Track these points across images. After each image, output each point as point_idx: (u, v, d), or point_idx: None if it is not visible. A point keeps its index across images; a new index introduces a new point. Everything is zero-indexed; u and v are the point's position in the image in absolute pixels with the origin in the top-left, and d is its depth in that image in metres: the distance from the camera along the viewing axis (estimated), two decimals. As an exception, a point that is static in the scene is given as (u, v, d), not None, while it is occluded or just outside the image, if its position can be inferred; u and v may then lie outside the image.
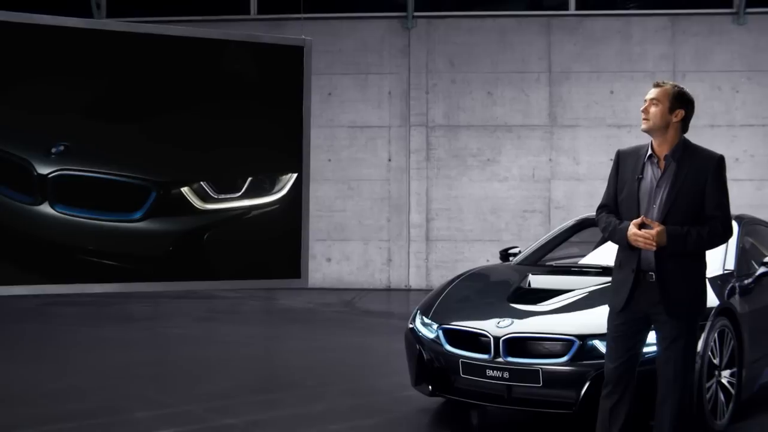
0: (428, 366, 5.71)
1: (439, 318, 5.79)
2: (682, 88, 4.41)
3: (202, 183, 4.53)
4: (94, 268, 4.35)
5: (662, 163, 4.40)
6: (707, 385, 5.35)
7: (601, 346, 5.07)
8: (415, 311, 6.08)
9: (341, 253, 14.31)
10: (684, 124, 4.43)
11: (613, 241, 4.55)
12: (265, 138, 4.72)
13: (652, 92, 4.38)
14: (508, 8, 14.40)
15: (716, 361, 5.46)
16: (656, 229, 4.22)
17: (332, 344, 9.09)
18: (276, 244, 4.76)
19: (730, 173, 13.67)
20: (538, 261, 6.87)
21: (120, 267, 4.41)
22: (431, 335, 5.74)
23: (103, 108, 4.35)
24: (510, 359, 5.30)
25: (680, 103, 4.38)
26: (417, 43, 14.25)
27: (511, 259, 6.98)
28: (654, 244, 4.20)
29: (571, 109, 13.90)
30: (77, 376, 7.30)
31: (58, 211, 4.23)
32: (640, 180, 4.41)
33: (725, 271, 6.04)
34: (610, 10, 14.13)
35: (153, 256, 4.47)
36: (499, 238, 13.77)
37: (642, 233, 4.24)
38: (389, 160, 14.26)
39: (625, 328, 4.43)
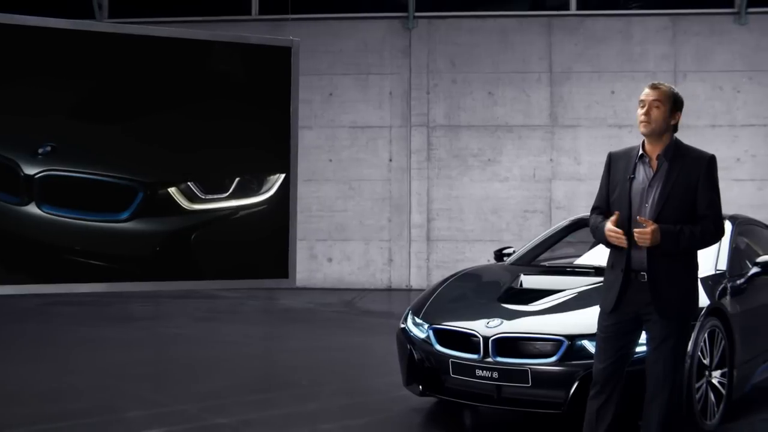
0: (419, 366, 5.72)
1: (429, 318, 5.80)
2: (677, 91, 4.42)
3: (189, 183, 4.55)
4: (81, 268, 4.37)
5: (654, 163, 4.40)
6: (697, 385, 5.35)
7: (590, 346, 5.07)
8: (407, 311, 6.09)
9: (342, 253, 14.33)
10: (676, 126, 4.44)
11: (598, 240, 4.58)
12: (253, 138, 4.73)
13: (652, 93, 4.35)
14: (509, 8, 14.40)
15: (706, 362, 5.46)
16: (650, 227, 4.23)
17: (330, 344, 9.11)
18: (264, 244, 4.78)
19: (732, 173, 13.76)
20: (531, 261, 6.88)
21: (107, 267, 4.44)
22: (422, 335, 5.76)
23: (89, 109, 4.38)
24: (499, 359, 5.31)
25: (678, 105, 4.39)
26: (418, 43, 14.26)
27: (505, 259, 6.99)
28: (649, 241, 4.20)
29: (572, 109, 13.90)
30: (74, 375, 7.33)
31: (44, 212, 4.26)
32: (632, 180, 4.42)
33: (717, 272, 6.04)
34: (610, 10, 14.12)
35: (140, 256, 4.50)
36: (500, 238, 13.76)
37: (615, 230, 4.27)
38: (390, 160, 14.27)
39: (615, 329, 4.44)
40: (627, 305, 4.38)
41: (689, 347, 5.23)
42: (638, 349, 4.63)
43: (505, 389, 5.31)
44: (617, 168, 4.50)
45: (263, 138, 4.76)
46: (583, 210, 11.92)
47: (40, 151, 4.23)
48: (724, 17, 13.87)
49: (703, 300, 5.53)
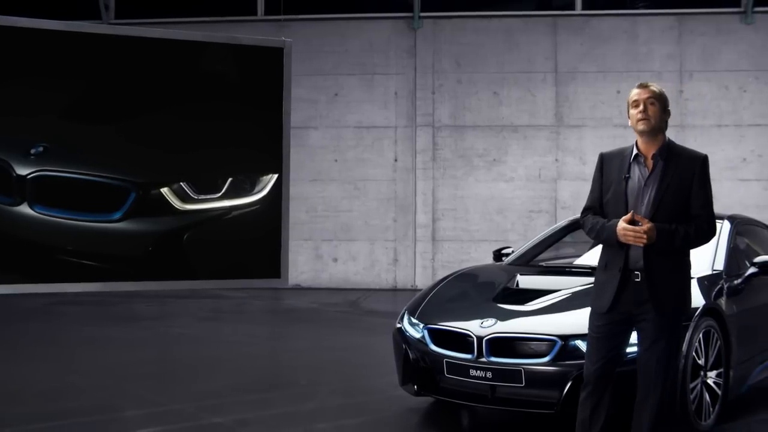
0: (414, 366, 5.74)
1: (425, 318, 5.81)
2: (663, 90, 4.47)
3: (181, 184, 4.57)
4: (74, 268, 4.39)
5: (649, 163, 4.42)
6: (692, 385, 5.34)
7: (583, 346, 5.06)
8: (403, 311, 6.11)
9: (347, 253, 14.35)
10: (667, 125, 4.47)
11: (600, 240, 4.56)
12: (246, 139, 4.74)
13: (644, 92, 4.37)
14: (515, 8, 14.40)
15: (701, 362, 5.45)
16: (646, 225, 4.24)
17: (332, 344, 9.13)
18: (256, 245, 4.78)
19: (738, 173, 13.72)
20: (529, 261, 6.88)
21: (100, 267, 4.45)
22: (417, 335, 5.77)
23: (82, 109, 4.39)
24: (493, 359, 5.32)
25: (667, 104, 4.45)
26: (423, 43, 14.27)
27: (504, 259, 7.00)
28: (645, 239, 4.21)
29: (578, 109, 13.88)
30: (76, 374, 7.37)
31: (37, 212, 4.28)
32: (627, 179, 4.43)
33: (714, 272, 6.03)
34: (616, 10, 14.09)
35: (133, 257, 4.51)
36: (506, 238, 13.76)
37: (632, 228, 4.26)
38: (395, 160, 14.29)
39: (606, 329, 4.44)
40: (621, 305, 4.39)
41: (683, 347, 5.24)
42: (631, 349, 4.65)
43: (499, 389, 5.32)
44: (611, 168, 4.51)
45: (256, 138, 4.78)
46: (588, 210, 11.93)
47: (33, 151, 4.26)
48: (731, 17, 13.84)
49: (699, 300, 5.55)
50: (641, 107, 4.36)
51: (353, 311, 11.96)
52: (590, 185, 4.65)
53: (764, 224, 7.34)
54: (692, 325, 5.34)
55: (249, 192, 4.76)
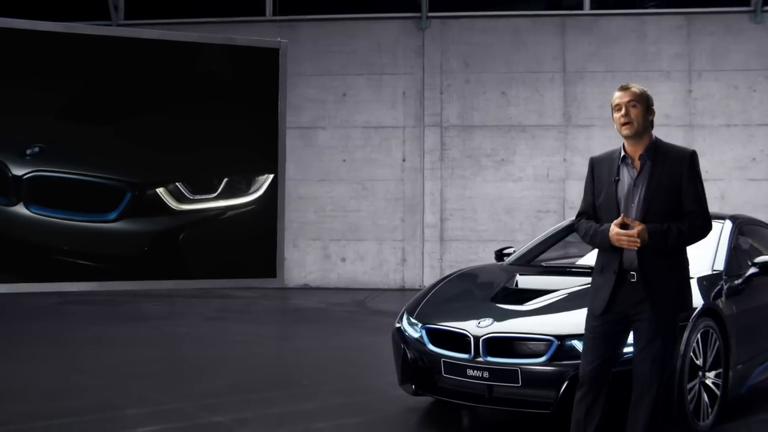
0: (412, 365, 5.75)
1: (423, 318, 5.82)
2: (647, 90, 4.45)
3: (177, 184, 4.60)
4: (70, 267, 4.43)
5: (637, 163, 4.42)
6: (689, 385, 5.33)
7: (579, 346, 5.05)
8: (402, 311, 6.12)
9: (356, 253, 14.38)
10: (652, 124, 4.47)
11: (595, 245, 4.57)
12: (241, 139, 4.78)
13: (626, 95, 4.38)
14: (523, 8, 14.38)
15: (699, 362, 5.44)
16: (637, 228, 4.25)
17: (336, 343, 9.15)
18: (252, 244, 4.81)
19: (748, 173, 13.66)
20: (531, 261, 6.88)
21: (95, 267, 4.50)
22: (416, 335, 5.78)
23: (78, 110, 4.44)
24: (490, 359, 5.32)
25: (651, 104, 4.43)
26: (431, 43, 14.28)
27: (505, 259, 7.00)
28: (638, 242, 4.22)
29: (586, 108, 13.86)
30: (79, 373, 7.41)
31: (33, 212, 4.32)
32: (617, 182, 4.44)
33: (714, 272, 6.02)
34: (624, 10, 14.06)
35: (128, 256, 4.55)
36: (514, 238, 13.74)
37: (625, 232, 4.26)
38: (403, 160, 14.30)
39: (602, 330, 4.44)
40: (617, 307, 4.39)
41: (681, 347, 5.24)
42: (627, 349, 4.65)
43: (496, 389, 5.32)
44: (601, 172, 4.52)
45: (252, 139, 4.80)
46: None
47: (28, 151, 4.30)
48: (740, 16, 13.78)
49: (697, 300, 5.53)
50: (623, 111, 4.36)
51: (360, 311, 11.98)
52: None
53: (767, 224, 7.31)
54: (690, 325, 5.33)
55: (245, 192, 4.79)
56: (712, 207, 13.35)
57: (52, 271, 4.42)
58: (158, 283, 4.67)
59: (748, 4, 13.80)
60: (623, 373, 4.59)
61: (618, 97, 4.39)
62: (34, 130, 4.33)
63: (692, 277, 5.70)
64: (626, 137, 4.40)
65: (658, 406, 4.39)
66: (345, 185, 14.35)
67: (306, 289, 14.34)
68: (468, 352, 5.40)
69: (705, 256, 6.16)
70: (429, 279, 14.11)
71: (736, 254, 6.42)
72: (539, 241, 7.14)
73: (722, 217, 6.75)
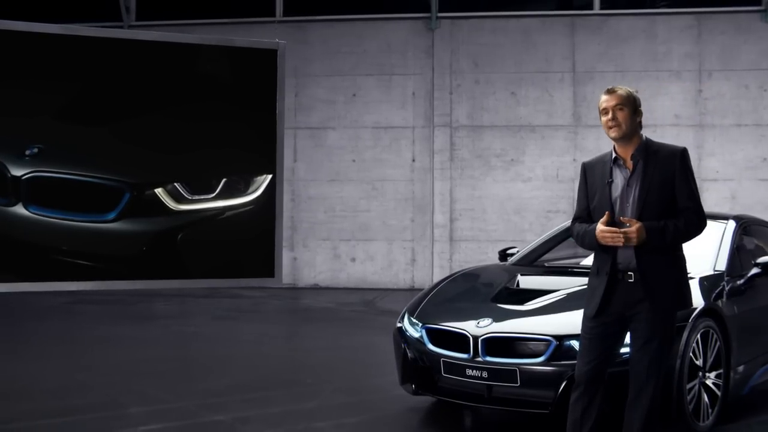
0: (412, 365, 5.77)
1: (423, 318, 5.84)
2: (633, 91, 4.46)
3: (176, 184, 4.65)
4: (68, 267, 4.49)
5: (629, 164, 4.44)
6: (689, 386, 5.33)
7: (578, 346, 5.07)
8: (403, 311, 6.14)
9: (365, 253, 14.40)
10: (641, 124, 4.48)
11: (585, 246, 4.60)
12: (240, 140, 4.82)
13: (612, 99, 4.40)
14: (532, 8, 14.37)
15: (699, 363, 5.43)
16: (635, 226, 4.26)
17: (343, 343, 9.18)
18: (250, 244, 4.86)
19: (758, 173, 13.58)
20: (533, 261, 6.88)
21: (94, 266, 4.54)
22: (416, 335, 5.80)
23: (77, 111, 4.49)
24: (489, 359, 5.33)
25: (638, 105, 4.45)
26: (441, 43, 14.29)
27: (508, 259, 7.01)
28: (622, 238, 4.23)
29: (596, 108, 13.70)
30: (85, 372, 7.46)
31: (31, 212, 4.37)
32: (610, 184, 4.46)
33: (715, 272, 6.01)
34: (634, 10, 14.03)
35: (127, 256, 4.60)
36: (523, 238, 13.72)
37: (609, 228, 4.28)
38: (413, 160, 14.31)
39: (598, 330, 4.45)
40: (612, 307, 4.40)
41: (680, 348, 5.24)
42: (625, 350, 4.66)
43: (495, 389, 5.34)
44: (594, 175, 4.55)
45: (250, 139, 4.84)
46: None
47: (27, 152, 4.35)
48: (751, 15, 13.73)
49: (698, 300, 5.53)
50: (610, 114, 4.38)
51: (368, 311, 12.00)
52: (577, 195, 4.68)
53: (772, 224, 7.28)
54: (689, 325, 5.32)
55: (243, 192, 4.82)
56: (723, 207, 13.35)
57: (51, 271, 4.47)
58: (157, 283, 4.72)
59: (759, 3, 13.74)
60: (620, 374, 4.60)
61: (605, 100, 4.41)
62: (33, 131, 4.39)
63: (693, 277, 5.77)
64: (614, 139, 4.43)
65: (654, 406, 4.40)
66: (355, 185, 14.38)
67: (316, 288, 14.38)
68: (467, 352, 5.41)
69: (707, 257, 6.16)
70: (438, 279, 14.12)
71: (740, 254, 6.40)
72: (542, 241, 7.14)
73: (726, 218, 6.75)
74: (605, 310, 4.39)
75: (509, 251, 7.16)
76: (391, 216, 14.35)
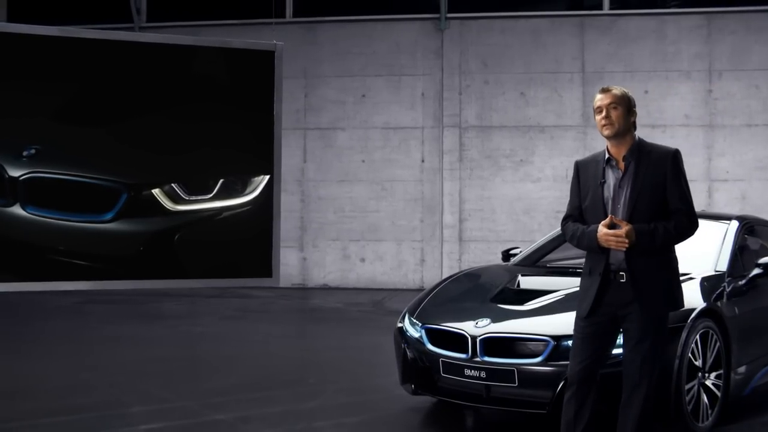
0: (412, 365, 5.79)
1: (423, 318, 5.86)
2: (628, 91, 4.48)
3: (173, 185, 4.68)
4: (66, 267, 4.53)
5: (621, 165, 4.46)
6: (688, 386, 5.32)
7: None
8: (404, 311, 6.16)
9: (375, 253, 14.42)
10: (635, 125, 4.49)
11: (582, 247, 4.59)
12: (237, 141, 4.84)
13: (606, 97, 4.42)
14: (542, 8, 14.36)
15: (698, 363, 5.42)
16: (625, 228, 4.28)
17: (349, 343, 9.20)
18: (248, 245, 4.88)
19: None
20: (536, 262, 6.88)
21: (91, 266, 4.58)
22: (416, 335, 5.82)
23: (75, 112, 4.53)
24: (487, 359, 5.34)
25: (633, 105, 4.46)
26: (450, 44, 14.29)
27: (511, 259, 7.02)
28: (626, 242, 4.24)
29: (605, 109, 13.75)
30: (90, 371, 7.51)
31: (29, 213, 4.41)
32: (602, 184, 4.47)
33: (716, 272, 5.99)
34: (644, 10, 13.98)
35: (124, 256, 4.63)
36: (533, 238, 13.68)
37: (613, 232, 4.29)
38: (422, 160, 14.32)
39: (590, 331, 4.47)
40: (605, 308, 4.41)
41: (678, 348, 5.23)
42: (618, 350, 4.66)
43: (493, 389, 5.35)
44: (587, 175, 4.55)
45: (247, 140, 4.87)
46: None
47: (25, 153, 4.39)
48: (761, 15, 13.65)
49: (697, 301, 5.53)
50: (604, 113, 4.39)
51: (376, 311, 12.01)
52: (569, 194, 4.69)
53: (775, 225, 7.25)
54: (688, 325, 5.32)
55: (240, 193, 4.85)
56: (733, 208, 13.27)
57: (48, 271, 4.51)
58: (154, 283, 4.75)
59: (769, 2, 13.69)
60: (616, 374, 4.60)
61: (599, 99, 4.43)
62: (31, 132, 4.43)
63: (694, 278, 5.77)
64: (607, 138, 4.44)
65: (647, 406, 4.40)
66: (364, 186, 14.40)
67: (325, 289, 14.41)
68: (466, 352, 5.43)
69: (708, 257, 6.15)
70: (447, 279, 14.13)
71: (743, 255, 6.39)
72: (546, 241, 7.13)
73: (729, 218, 6.73)
74: (597, 310, 4.40)
75: (512, 251, 7.16)
76: (401, 216, 14.36)
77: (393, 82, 14.40)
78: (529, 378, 5.23)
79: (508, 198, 14.09)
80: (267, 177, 4.89)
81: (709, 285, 5.78)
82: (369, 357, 8.37)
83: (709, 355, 5.52)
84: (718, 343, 5.59)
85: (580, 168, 4.62)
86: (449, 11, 14.27)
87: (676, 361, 5.21)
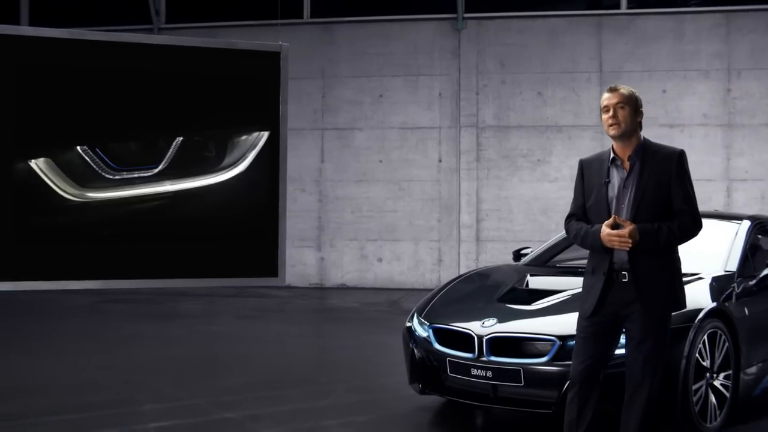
0: (420, 365, 5.81)
1: (431, 317, 5.88)
2: (635, 91, 4.47)
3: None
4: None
5: (626, 164, 4.46)
6: (695, 387, 5.30)
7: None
8: (413, 311, 6.18)
9: (392, 253, 14.44)
10: (641, 125, 4.49)
11: (585, 246, 4.59)
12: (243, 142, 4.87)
13: (614, 97, 4.43)
14: (559, 8, 14.33)
15: (705, 364, 5.40)
16: (628, 228, 4.28)
17: (361, 342, 9.24)
18: (254, 244, 4.90)
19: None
20: (546, 262, 6.89)
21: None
22: (424, 334, 5.84)
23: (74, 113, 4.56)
24: (493, 358, 5.36)
25: (639, 105, 4.46)
26: (467, 44, 14.29)
27: (522, 259, 7.02)
28: (630, 242, 4.25)
29: (623, 108, 13.70)
30: (104, 370, 7.59)
31: None
32: (607, 184, 4.48)
33: (726, 272, 5.97)
34: (662, 9, 13.91)
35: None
36: (550, 238, 13.64)
37: (617, 232, 4.29)
38: (440, 160, 14.33)
39: (593, 330, 4.47)
40: (607, 307, 4.42)
41: (685, 349, 5.22)
42: (621, 351, 4.65)
43: (501, 389, 5.35)
44: (590, 174, 4.56)
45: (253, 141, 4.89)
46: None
47: None
48: (781, 13, 13.57)
49: (706, 301, 5.52)
50: (611, 112, 4.40)
51: (392, 311, 12.03)
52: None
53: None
54: (695, 326, 5.30)
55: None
56: (752, 208, 13.14)
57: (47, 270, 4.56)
58: (158, 282, 4.78)
59: (789, 1, 13.58)
60: (620, 374, 4.60)
61: (606, 98, 4.44)
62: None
63: (703, 278, 5.75)
64: (613, 137, 4.44)
65: (650, 405, 4.40)
66: (382, 186, 14.43)
67: (343, 288, 14.45)
68: (472, 351, 5.44)
69: (718, 257, 6.13)
70: (464, 279, 14.11)
71: (755, 255, 6.35)
72: (556, 241, 7.13)
73: (740, 218, 6.71)
74: (600, 310, 4.40)
75: (523, 251, 7.17)
76: (418, 216, 14.37)
77: (410, 82, 14.41)
78: (535, 378, 5.23)
79: (525, 198, 14.07)
80: (271, 175, 4.90)
81: (718, 285, 5.76)
82: (382, 356, 8.39)
83: (717, 355, 5.50)
84: (726, 344, 5.57)
85: (584, 167, 4.62)
86: (466, 11, 14.27)
87: (683, 362, 5.20)
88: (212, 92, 4.81)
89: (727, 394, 5.57)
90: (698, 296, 5.55)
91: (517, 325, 5.46)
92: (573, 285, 5.88)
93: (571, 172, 13.77)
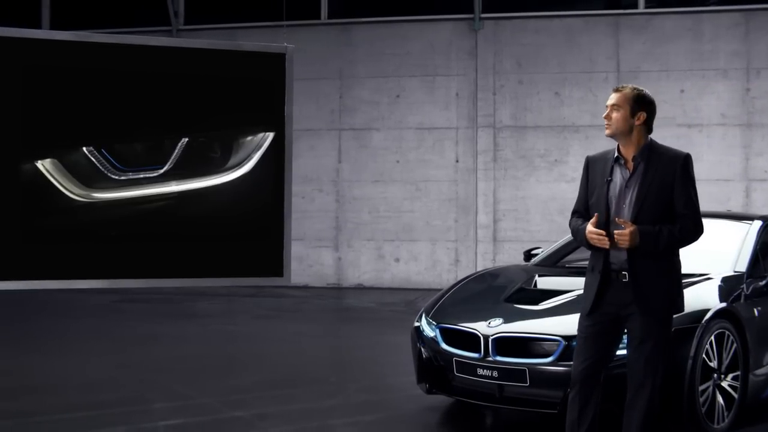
0: (427, 364, 5.83)
1: (438, 317, 5.90)
2: (642, 91, 4.46)
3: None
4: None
5: (630, 165, 4.46)
6: (702, 387, 5.29)
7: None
8: (421, 311, 6.20)
9: (409, 253, 14.46)
10: (647, 126, 4.47)
11: (579, 243, 4.64)
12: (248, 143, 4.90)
13: (612, 97, 4.46)
14: (576, 8, 14.29)
15: (713, 364, 5.38)
16: (629, 228, 4.28)
17: (375, 342, 9.26)
18: (259, 243, 4.93)
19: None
20: (556, 262, 6.88)
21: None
22: (431, 334, 5.86)
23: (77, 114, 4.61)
24: (499, 358, 5.37)
25: (640, 105, 4.44)
26: (484, 44, 14.28)
27: (532, 259, 7.03)
28: (607, 241, 4.26)
29: (641, 108, 13.64)
30: (120, 369, 7.65)
31: None
32: (609, 182, 4.49)
33: (735, 273, 5.95)
34: (680, 8, 13.84)
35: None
36: (567, 239, 13.64)
37: (596, 231, 4.32)
38: (457, 161, 14.33)
39: (594, 329, 4.49)
40: (607, 306, 4.43)
41: (692, 349, 5.21)
42: (623, 352, 4.65)
43: (506, 389, 5.37)
44: (595, 171, 4.57)
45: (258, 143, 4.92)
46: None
47: None
48: (801, 12, 13.46)
49: (714, 301, 5.50)
50: (606, 112, 4.42)
51: (408, 311, 12.01)
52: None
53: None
54: (702, 326, 5.29)
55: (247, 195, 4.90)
56: (772, 209, 12.86)
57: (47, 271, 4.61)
58: (165, 282, 4.82)
59: (809, -1, 13.47)
60: (622, 375, 4.60)
61: (609, 98, 4.45)
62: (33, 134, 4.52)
63: (712, 278, 5.74)
64: (608, 136, 4.46)
65: (652, 406, 4.40)
66: (399, 186, 14.45)
67: (360, 288, 14.49)
68: (478, 351, 5.46)
69: (727, 257, 6.11)
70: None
71: (767, 255, 6.31)
72: (567, 241, 7.12)
73: (752, 218, 6.67)
74: (599, 309, 4.41)
75: (533, 251, 7.17)
76: (435, 216, 14.39)
77: (427, 83, 14.42)
78: (540, 378, 5.24)
79: (542, 198, 14.05)
80: (276, 175, 4.93)
81: (727, 286, 5.75)
82: (393, 356, 8.39)
83: (724, 356, 5.48)
84: (734, 345, 5.54)
85: (590, 164, 4.64)
86: (483, 11, 14.26)
87: (689, 362, 5.19)
88: (218, 93, 4.84)
89: (735, 396, 5.55)
90: (706, 296, 5.54)
91: (523, 325, 5.47)
92: (581, 285, 5.78)
93: (588, 173, 13.72)
